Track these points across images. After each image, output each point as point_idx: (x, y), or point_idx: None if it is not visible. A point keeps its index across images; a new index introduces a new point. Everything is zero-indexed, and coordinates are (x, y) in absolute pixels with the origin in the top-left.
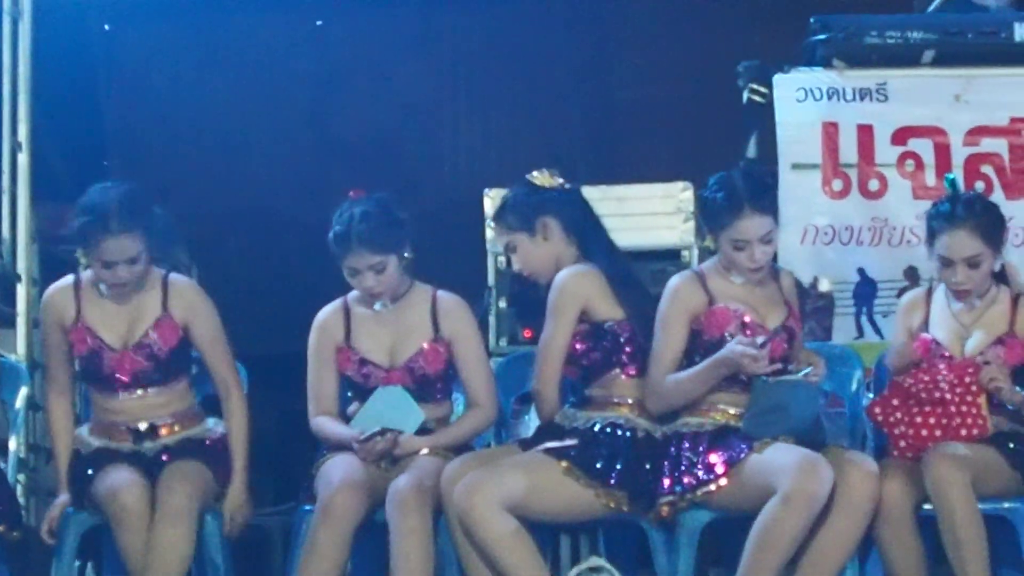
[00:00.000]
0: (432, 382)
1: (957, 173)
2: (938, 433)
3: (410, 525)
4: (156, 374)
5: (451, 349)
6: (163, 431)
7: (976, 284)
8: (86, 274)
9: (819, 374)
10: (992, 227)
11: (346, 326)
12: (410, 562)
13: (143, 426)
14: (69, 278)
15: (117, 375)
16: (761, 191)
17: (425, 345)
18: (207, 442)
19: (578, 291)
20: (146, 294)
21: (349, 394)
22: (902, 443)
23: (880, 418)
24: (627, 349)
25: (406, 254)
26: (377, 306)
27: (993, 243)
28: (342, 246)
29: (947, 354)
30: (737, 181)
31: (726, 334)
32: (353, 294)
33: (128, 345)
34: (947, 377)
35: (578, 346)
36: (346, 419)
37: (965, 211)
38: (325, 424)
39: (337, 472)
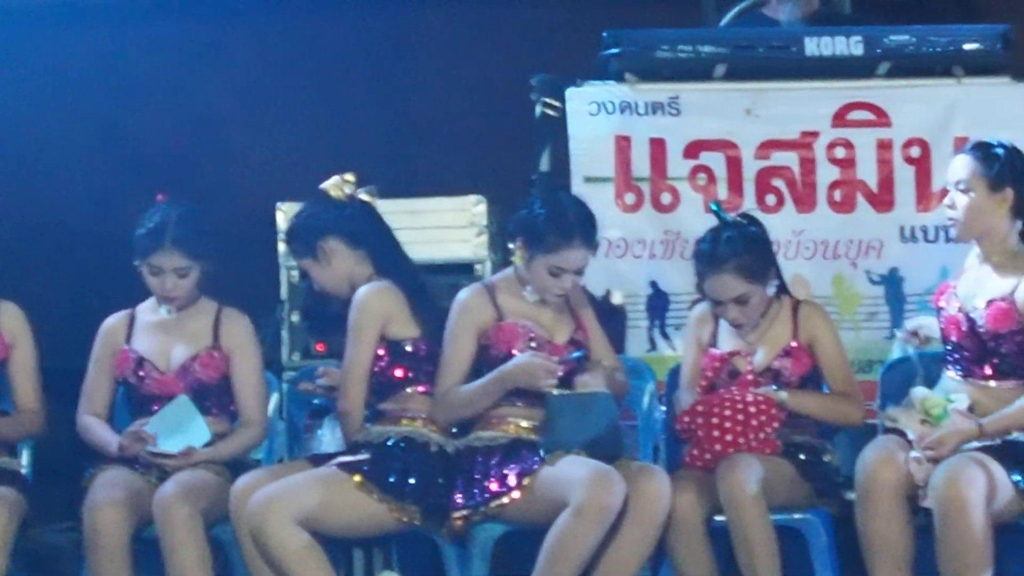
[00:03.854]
0: (207, 390)
1: (748, 186)
2: (731, 451)
3: (180, 537)
4: None
5: (228, 362)
6: None
7: (750, 317)
8: None
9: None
10: (755, 265)
11: (128, 330)
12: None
13: None
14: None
15: None
16: (591, 224)
17: (202, 351)
18: None
19: (378, 309)
20: None
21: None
22: (695, 451)
23: (686, 423)
24: (426, 368)
25: (209, 268)
26: (163, 310)
27: (759, 278)
28: (153, 242)
29: (732, 370)
30: (568, 209)
31: (514, 350)
32: (142, 305)
33: None
34: (752, 400)
35: (376, 365)
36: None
37: (727, 251)
38: (92, 424)
39: (100, 492)
